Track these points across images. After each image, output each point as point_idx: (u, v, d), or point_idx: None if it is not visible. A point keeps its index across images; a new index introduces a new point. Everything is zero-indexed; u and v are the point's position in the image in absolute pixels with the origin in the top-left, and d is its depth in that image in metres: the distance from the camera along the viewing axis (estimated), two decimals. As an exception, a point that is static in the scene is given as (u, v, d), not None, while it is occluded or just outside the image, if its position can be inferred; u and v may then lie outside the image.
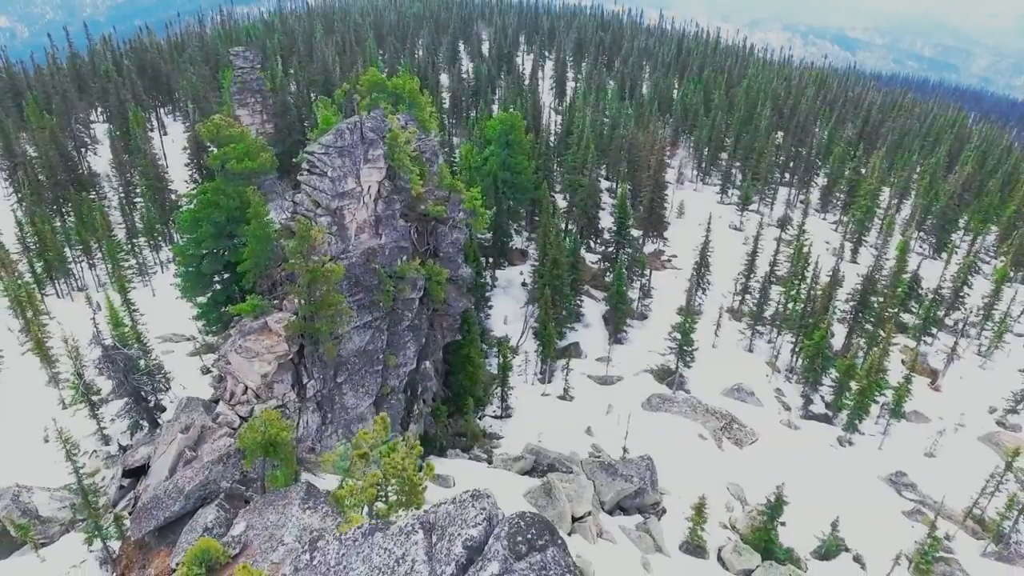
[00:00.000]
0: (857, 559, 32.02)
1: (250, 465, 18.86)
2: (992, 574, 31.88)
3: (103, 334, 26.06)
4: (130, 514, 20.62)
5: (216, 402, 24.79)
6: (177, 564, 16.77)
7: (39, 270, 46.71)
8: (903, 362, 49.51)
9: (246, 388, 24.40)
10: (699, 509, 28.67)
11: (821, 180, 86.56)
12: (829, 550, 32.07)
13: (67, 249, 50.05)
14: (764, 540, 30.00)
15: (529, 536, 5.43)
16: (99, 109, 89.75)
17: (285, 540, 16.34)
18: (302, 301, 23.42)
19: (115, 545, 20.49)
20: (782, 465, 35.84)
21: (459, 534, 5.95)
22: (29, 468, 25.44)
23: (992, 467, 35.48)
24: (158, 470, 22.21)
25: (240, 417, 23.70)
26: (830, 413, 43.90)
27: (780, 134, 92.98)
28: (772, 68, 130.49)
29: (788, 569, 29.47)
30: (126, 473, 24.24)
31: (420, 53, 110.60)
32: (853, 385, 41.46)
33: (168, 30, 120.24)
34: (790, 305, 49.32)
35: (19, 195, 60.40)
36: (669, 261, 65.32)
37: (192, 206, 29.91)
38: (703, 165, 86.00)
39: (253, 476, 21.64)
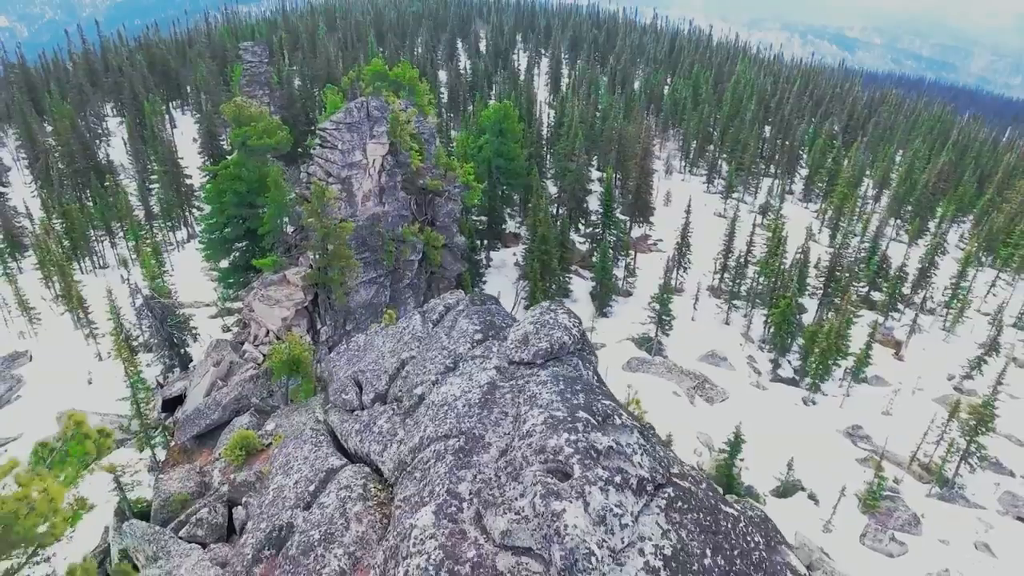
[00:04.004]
0: (811, 497, 35.70)
1: (277, 381, 22.49)
2: (932, 510, 35.60)
3: (141, 286, 29.73)
4: (173, 429, 24.31)
5: (241, 343, 28.45)
6: (219, 454, 20.44)
7: (66, 247, 50.34)
8: (870, 335, 53.20)
9: (268, 331, 28.07)
10: (666, 446, 32.24)
11: (804, 171, 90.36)
12: (787, 489, 35.74)
13: (90, 230, 53.73)
14: (726, 475, 33.62)
15: (483, 298, 8.99)
16: (111, 105, 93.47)
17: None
18: (317, 254, 27.10)
19: (160, 456, 24.16)
20: (749, 419, 39.43)
21: (441, 303, 9.54)
22: (77, 404, 29.09)
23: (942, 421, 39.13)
24: (194, 398, 25.89)
25: (263, 355, 27.35)
26: (797, 377, 47.61)
27: (768, 128, 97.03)
28: (762, 65, 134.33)
29: (747, 502, 33.12)
30: (164, 405, 27.89)
31: (419, 50, 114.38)
32: (817, 350, 45.12)
33: (174, 28, 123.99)
34: (762, 280, 53.04)
35: (39, 182, 64.17)
36: (655, 245, 69.05)
37: (216, 179, 33.58)
38: (691, 156, 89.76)
39: (274, 404, 25.29)
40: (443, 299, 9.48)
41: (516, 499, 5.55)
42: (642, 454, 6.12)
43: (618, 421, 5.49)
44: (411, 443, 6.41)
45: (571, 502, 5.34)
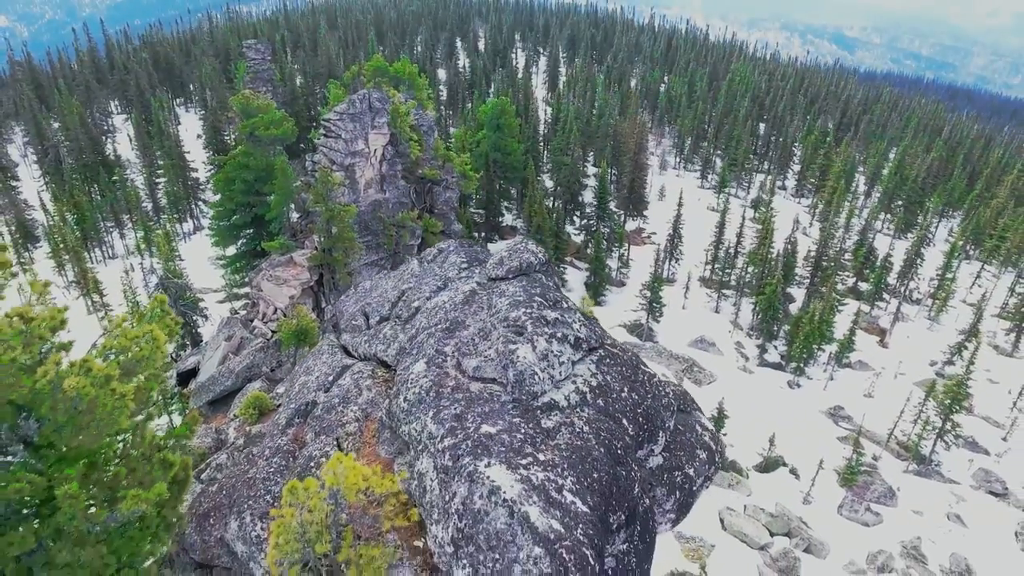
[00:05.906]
0: (792, 472, 37.37)
1: (286, 350, 24.19)
2: (908, 484, 37.27)
3: (156, 267, 31.43)
4: (189, 396, 26.01)
5: (251, 320, 30.16)
6: (235, 414, 22.14)
7: (77, 236, 52.02)
8: (854, 321, 54.91)
9: (275, 309, 29.77)
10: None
11: (797, 167, 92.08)
12: (769, 464, 37.38)
13: (100, 222, 55.43)
14: (710, 451, 35.38)
15: (468, 244, 10.69)
16: (116, 102, 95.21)
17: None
18: (322, 236, 28.80)
19: (177, 422, 25.85)
20: (735, 400, 41.15)
21: (435, 248, 11.25)
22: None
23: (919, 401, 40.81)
24: (207, 369, 27.59)
25: (272, 331, 29.06)
26: (783, 362, 49.30)
27: (762, 125, 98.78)
28: (757, 63, 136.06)
29: (730, 475, 34.81)
30: (179, 379, 29.59)
31: (419, 49, 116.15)
32: (801, 335, 46.82)
33: (176, 27, 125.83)
34: (751, 269, 54.79)
35: (48, 176, 65.87)
36: (649, 238, 70.76)
37: (225, 168, 35.27)
38: (685, 152, 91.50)
39: (281, 376, 26.98)
40: (436, 246, 11.17)
41: (485, 350, 7.29)
42: (581, 325, 7.87)
43: (565, 305, 7.12)
44: (408, 335, 8.07)
45: (523, 345, 7.06)
